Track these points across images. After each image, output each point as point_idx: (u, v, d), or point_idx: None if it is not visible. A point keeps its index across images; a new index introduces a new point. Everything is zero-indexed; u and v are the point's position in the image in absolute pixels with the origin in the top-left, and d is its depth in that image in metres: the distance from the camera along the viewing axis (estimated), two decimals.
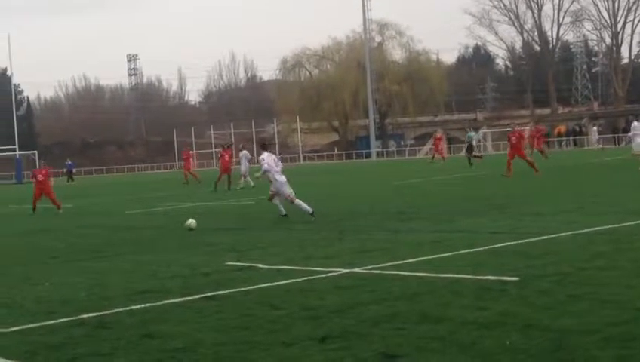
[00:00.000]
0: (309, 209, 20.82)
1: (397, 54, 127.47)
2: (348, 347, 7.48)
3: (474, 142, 58.99)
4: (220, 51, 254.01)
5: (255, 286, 11.09)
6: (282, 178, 21.47)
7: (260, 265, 13.05)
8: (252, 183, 39.11)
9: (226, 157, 41.07)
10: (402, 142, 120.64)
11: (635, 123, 42.74)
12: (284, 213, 21.52)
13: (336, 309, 9.22)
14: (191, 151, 60.20)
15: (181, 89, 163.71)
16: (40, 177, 31.72)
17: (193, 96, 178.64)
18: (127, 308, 10.09)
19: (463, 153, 56.29)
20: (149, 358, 7.62)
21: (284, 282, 11.31)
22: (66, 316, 9.82)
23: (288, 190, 21.44)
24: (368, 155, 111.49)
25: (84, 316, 9.75)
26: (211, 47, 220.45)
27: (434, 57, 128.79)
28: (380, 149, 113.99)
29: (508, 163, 35.30)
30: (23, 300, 11.27)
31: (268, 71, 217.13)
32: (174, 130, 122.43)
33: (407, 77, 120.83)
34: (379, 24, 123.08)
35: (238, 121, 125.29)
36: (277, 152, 43.13)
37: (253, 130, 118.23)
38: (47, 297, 11.40)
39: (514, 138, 36.62)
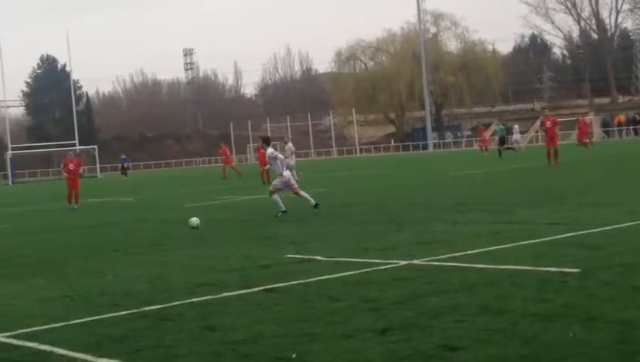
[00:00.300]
0: (312, 201, 21.26)
1: (452, 45, 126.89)
2: (408, 339, 7.47)
3: (516, 135, 59.07)
4: (275, 44, 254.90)
5: (314, 279, 11.11)
6: (287, 173, 22.02)
7: (318, 258, 13.08)
8: (296, 177, 39.39)
9: (263, 151, 41.38)
10: (459, 134, 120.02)
11: None
12: (283, 208, 21.48)
13: (395, 301, 9.21)
14: (225, 146, 60.61)
15: (237, 82, 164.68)
16: (71, 166, 31.83)
17: (249, 89, 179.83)
18: (188, 301, 10.17)
19: (495, 146, 55.93)
20: (209, 350, 7.68)
21: (343, 274, 11.33)
22: (129, 308, 9.94)
23: (292, 179, 22.06)
24: (425, 147, 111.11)
25: (147, 308, 9.86)
26: (267, 40, 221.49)
27: (490, 47, 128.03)
28: (436, 141, 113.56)
29: (547, 153, 35.14)
30: (87, 293, 11.42)
31: (323, 63, 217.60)
32: (231, 124, 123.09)
33: (463, 67, 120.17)
34: (433, 15, 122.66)
35: (294, 113, 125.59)
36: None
37: (310, 122, 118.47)
38: (110, 290, 11.53)
39: (548, 123, 36.37)
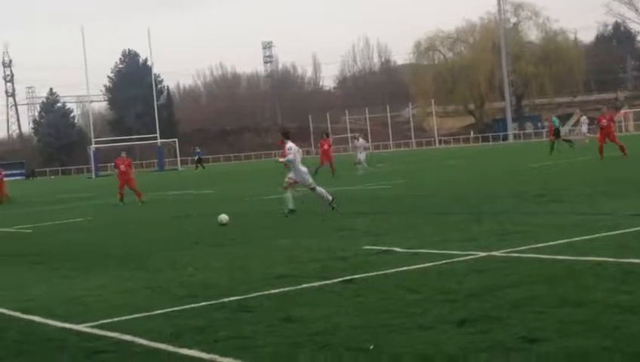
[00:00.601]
0: (329, 197, 20.68)
1: (533, 35, 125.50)
2: (487, 330, 7.41)
3: (584, 126, 58.37)
4: (353, 36, 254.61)
5: (392, 270, 11.09)
6: (304, 168, 21.46)
7: (397, 249, 13.05)
8: (360, 172, 39.45)
9: (325, 147, 41.41)
10: (539, 124, 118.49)
11: None
12: (292, 207, 21.07)
13: (474, 293, 9.14)
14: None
15: (316, 75, 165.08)
16: (122, 167, 32.37)
17: (328, 81, 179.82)
18: (267, 292, 10.23)
19: (547, 138, 55.21)
20: (288, 341, 7.71)
21: (422, 265, 11.28)
22: (208, 299, 10.03)
23: (310, 179, 21.38)
24: (505, 138, 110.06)
25: (226, 299, 9.94)
26: (345, 32, 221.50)
27: (571, 37, 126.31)
28: (516, 131, 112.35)
29: (600, 148, 34.84)
30: (168, 284, 11.56)
31: (402, 55, 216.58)
32: (309, 116, 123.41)
33: (544, 57, 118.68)
34: (514, 5, 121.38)
35: (373, 105, 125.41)
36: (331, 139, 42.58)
37: (388, 114, 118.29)
38: (190, 281, 11.66)
39: (604, 121, 35.89)
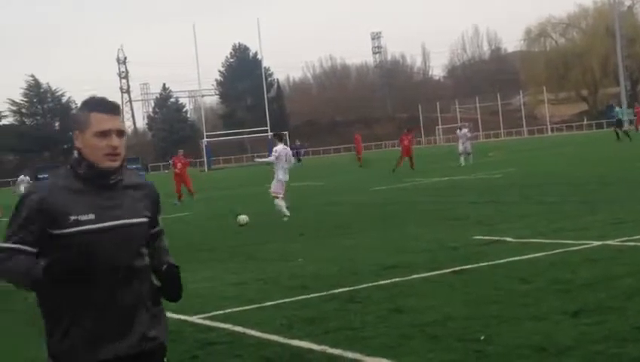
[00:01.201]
0: (287, 213, 20.12)
1: None
2: (602, 321, 7.26)
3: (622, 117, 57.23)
4: (462, 24, 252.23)
5: (503, 260, 10.96)
6: (284, 176, 20.71)
7: (508, 239, 12.89)
8: (470, 161, 39.03)
9: (405, 142, 41.21)
10: None
11: None
12: (287, 214, 20.36)
13: (588, 282, 8.96)
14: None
15: (425, 64, 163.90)
16: (179, 165, 32.86)
17: (437, 71, 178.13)
18: (377, 283, 10.22)
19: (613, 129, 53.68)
20: (397, 332, 7.69)
21: (534, 255, 11.11)
22: (318, 291, 10.07)
23: (281, 189, 20.65)
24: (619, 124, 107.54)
25: (335, 291, 9.96)
26: (454, 21, 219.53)
27: None
28: (632, 117, 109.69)
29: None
30: (278, 276, 11.65)
31: (512, 42, 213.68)
32: (419, 106, 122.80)
33: None
34: None
35: (483, 94, 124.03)
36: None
37: (499, 102, 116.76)
38: (300, 273, 11.73)
39: None
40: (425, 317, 8.15)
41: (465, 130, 42.31)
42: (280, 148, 20.78)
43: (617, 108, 54.84)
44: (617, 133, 49.09)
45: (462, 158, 39.98)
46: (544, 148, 50.52)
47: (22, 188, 43.93)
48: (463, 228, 15.01)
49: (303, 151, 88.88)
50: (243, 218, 20.19)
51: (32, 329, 9.58)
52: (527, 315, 7.77)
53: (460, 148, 40.93)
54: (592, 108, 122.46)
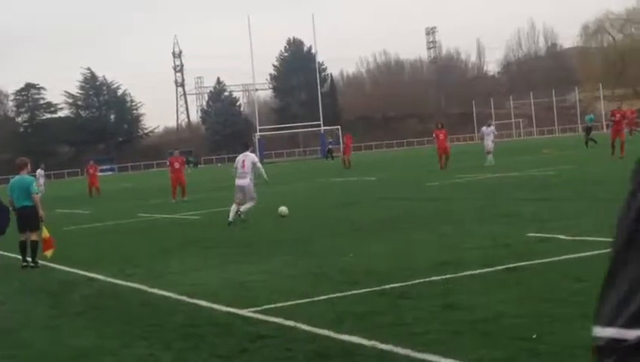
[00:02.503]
0: (231, 218, 20.19)
1: None
2: None
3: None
4: (518, 20, 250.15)
5: (557, 258, 10.87)
6: (239, 181, 21.06)
7: (561, 236, 12.78)
8: (492, 161, 38.04)
9: (441, 137, 39.86)
10: None
11: None
12: (230, 219, 20.25)
13: None
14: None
15: (480, 60, 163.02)
16: (177, 165, 33.03)
17: (492, 66, 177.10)
18: (428, 279, 10.20)
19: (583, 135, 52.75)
20: (449, 329, 7.67)
21: (588, 253, 11.01)
22: (370, 286, 10.07)
23: (240, 195, 20.85)
24: None
25: (387, 286, 9.96)
26: (510, 16, 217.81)
27: None
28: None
29: (612, 144, 34.43)
30: (330, 270, 11.67)
31: (569, 38, 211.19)
32: (473, 102, 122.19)
33: None
34: None
35: (538, 90, 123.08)
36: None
37: (554, 99, 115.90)
38: (352, 268, 11.73)
39: (618, 116, 34.39)
40: (477, 314, 8.11)
41: (492, 127, 41.03)
42: (239, 156, 21.55)
43: (589, 116, 53.95)
44: (587, 142, 48.38)
45: (489, 157, 38.94)
46: (599, 145, 49.95)
47: (41, 181, 43.22)
48: (516, 225, 14.90)
49: (332, 147, 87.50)
50: (283, 209, 20.83)
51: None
52: (580, 314, 7.69)
53: (489, 145, 39.64)
54: None
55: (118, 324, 9.50)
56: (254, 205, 21.13)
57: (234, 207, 20.65)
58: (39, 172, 45.34)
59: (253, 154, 21.90)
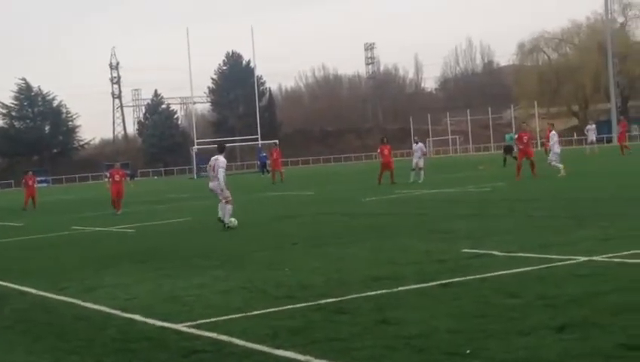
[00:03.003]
0: (220, 215, 21.34)
1: None
2: (586, 337, 7.27)
3: (592, 135, 58.33)
4: (456, 37, 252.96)
5: (491, 274, 10.96)
6: (211, 184, 21.93)
7: (496, 253, 12.90)
8: (417, 179, 37.79)
9: (385, 152, 39.82)
10: None
11: None
12: (228, 222, 21.17)
13: (574, 298, 8.97)
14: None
15: (417, 76, 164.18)
16: (117, 178, 33.14)
17: (429, 83, 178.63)
18: (364, 294, 10.21)
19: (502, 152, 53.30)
20: (384, 344, 7.68)
21: (521, 270, 11.13)
22: (305, 301, 10.06)
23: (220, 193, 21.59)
24: (609, 140, 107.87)
25: (322, 301, 9.96)
26: (448, 33, 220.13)
27: None
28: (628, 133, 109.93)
29: (517, 166, 35.04)
30: (265, 285, 11.64)
31: (505, 56, 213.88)
32: (410, 118, 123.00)
33: None
34: (621, 4, 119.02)
35: (475, 107, 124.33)
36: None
37: (490, 116, 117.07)
38: (288, 282, 11.71)
39: (525, 138, 35.36)
40: (411, 329, 8.15)
41: (420, 144, 40.86)
42: (212, 159, 22.21)
43: (509, 134, 54.54)
44: (505, 159, 48.88)
45: (413, 174, 38.54)
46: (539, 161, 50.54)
47: None
48: (452, 241, 15.01)
49: (267, 161, 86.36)
50: (232, 221, 21.08)
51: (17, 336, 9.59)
52: (514, 330, 7.78)
53: (418, 162, 39.26)
54: (583, 123, 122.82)
55: (49, 339, 9.36)
56: (232, 206, 21.61)
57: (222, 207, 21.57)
58: None
59: (223, 159, 22.13)
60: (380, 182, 38.07)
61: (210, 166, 22.06)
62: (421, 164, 39.09)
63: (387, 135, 56.47)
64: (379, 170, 39.78)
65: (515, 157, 45.70)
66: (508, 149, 50.39)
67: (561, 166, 34.33)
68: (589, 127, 59.15)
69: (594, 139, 60.42)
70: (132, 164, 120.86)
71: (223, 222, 21.28)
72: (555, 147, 35.81)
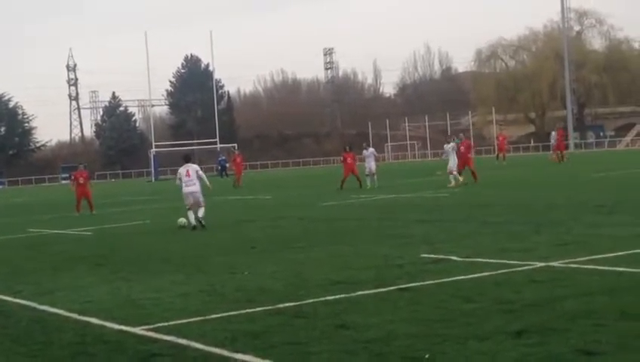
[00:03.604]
0: (193, 222, 22.26)
1: (597, 43, 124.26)
2: (544, 342, 7.33)
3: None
4: (415, 43, 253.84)
5: (449, 279, 11.02)
6: (188, 188, 22.70)
7: (453, 258, 12.97)
8: (369, 184, 38.04)
9: (349, 160, 40.02)
10: (602, 134, 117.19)
11: None
12: (193, 223, 22.25)
13: (531, 303, 9.05)
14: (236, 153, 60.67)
15: (376, 81, 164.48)
16: (81, 180, 33.32)
17: (388, 88, 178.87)
18: (323, 299, 10.22)
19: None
20: (342, 348, 7.70)
21: (479, 275, 11.20)
22: (264, 305, 10.05)
23: (190, 200, 22.59)
24: (566, 147, 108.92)
25: (281, 305, 9.95)
26: (406, 40, 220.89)
27: (636, 45, 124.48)
28: (578, 141, 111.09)
29: (458, 172, 35.14)
30: (224, 288, 11.61)
31: (463, 62, 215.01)
32: (369, 123, 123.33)
33: (608, 66, 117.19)
34: (577, 12, 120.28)
35: (433, 113, 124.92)
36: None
37: (448, 122, 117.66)
38: (247, 286, 11.69)
39: (462, 147, 35.99)
40: (369, 333, 8.17)
41: (371, 149, 40.80)
42: (181, 168, 23.25)
43: (455, 140, 54.39)
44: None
45: (369, 179, 38.65)
46: (491, 168, 50.92)
47: None
48: (410, 245, 15.07)
49: (227, 164, 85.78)
50: (182, 220, 22.63)
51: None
52: (471, 334, 7.82)
53: (371, 167, 39.30)
54: (540, 130, 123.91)
55: (4, 342, 9.26)
56: (205, 208, 22.89)
57: (190, 213, 22.52)
58: None
59: (195, 165, 23.55)
60: (342, 187, 38.06)
61: (184, 173, 22.97)
62: (374, 169, 39.13)
63: (347, 141, 56.32)
64: (342, 176, 39.75)
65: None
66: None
67: (458, 178, 34.61)
68: (553, 133, 59.34)
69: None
70: (89, 166, 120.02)
71: (202, 225, 22.15)
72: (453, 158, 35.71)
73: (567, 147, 60.77)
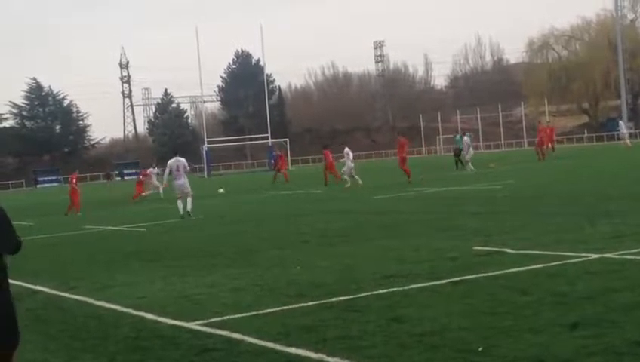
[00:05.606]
0: (181, 212, 25.81)
1: None
2: (599, 334, 7.25)
3: (623, 130, 58.23)
4: (465, 35, 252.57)
5: (503, 271, 10.95)
6: (177, 181, 26.33)
7: (507, 250, 12.88)
8: (348, 183, 37.99)
9: (330, 158, 40.69)
10: None
11: None
12: (181, 213, 25.82)
13: (586, 295, 8.95)
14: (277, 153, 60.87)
15: (427, 74, 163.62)
16: (75, 182, 34.10)
17: (439, 81, 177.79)
18: (375, 292, 10.21)
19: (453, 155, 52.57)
20: (395, 342, 7.68)
21: (533, 267, 11.11)
22: (317, 299, 10.07)
23: (179, 191, 26.39)
24: (620, 137, 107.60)
25: (334, 299, 9.96)
26: (457, 31, 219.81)
27: None
28: (632, 131, 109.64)
29: (406, 171, 36.45)
30: (276, 283, 11.65)
31: (514, 53, 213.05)
32: (420, 116, 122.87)
33: None
34: (631, 0, 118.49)
35: (484, 105, 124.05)
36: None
37: (500, 113, 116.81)
38: (298, 280, 11.72)
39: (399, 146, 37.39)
40: (423, 327, 8.14)
41: (346, 149, 40.15)
42: (171, 161, 26.69)
43: (458, 136, 53.56)
44: (457, 163, 48.41)
45: (347, 178, 38.55)
46: (546, 160, 50.51)
47: None
48: (463, 238, 14.99)
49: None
50: (221, 190, 24.70)
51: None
52: (525, 327, 7.77)
53: (346, 167, 39.06)
54: (593, 120, 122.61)
55: (62, 338, 9.39)
56: (192, 198, 26.46)
57: (179, 203, 26.07)
58: None
59: (183, 159, 26.76)
60: (325, 184, 39.25)
61: (174, 167, 26.29)
62: (347, 167, 38.97)
63: (399, 134, 56.21)
64: (323, 172, 41.81)
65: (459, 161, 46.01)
66: (458, 152, 49.86)
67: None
68: (621, 122, 59.22)
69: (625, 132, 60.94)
70: (142, 163, 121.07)
71: (190, 215, 25.36)
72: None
73: (553, 143, 60.21)
